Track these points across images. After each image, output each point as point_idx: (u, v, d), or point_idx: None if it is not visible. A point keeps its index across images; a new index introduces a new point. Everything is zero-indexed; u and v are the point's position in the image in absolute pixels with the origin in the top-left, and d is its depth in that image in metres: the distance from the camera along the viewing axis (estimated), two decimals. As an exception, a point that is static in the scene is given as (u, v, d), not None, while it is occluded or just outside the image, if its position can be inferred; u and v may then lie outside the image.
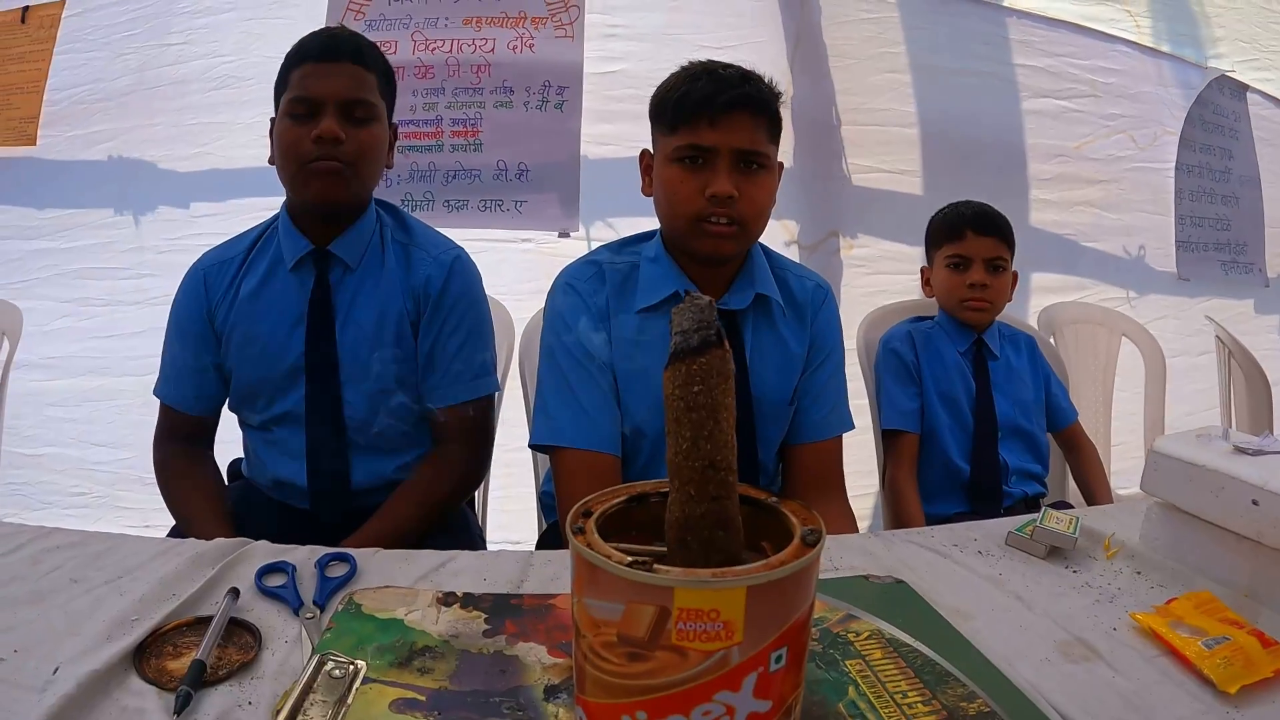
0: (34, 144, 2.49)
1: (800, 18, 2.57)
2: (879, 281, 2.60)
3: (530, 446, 1.36)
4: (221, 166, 2.43)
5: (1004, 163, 2.73)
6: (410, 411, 1.38)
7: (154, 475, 1.38)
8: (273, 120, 1.34)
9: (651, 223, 1.36)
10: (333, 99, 1.27)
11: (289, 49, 1.33)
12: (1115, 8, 2.79)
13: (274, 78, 1.34)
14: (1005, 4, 2.72)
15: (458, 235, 1.47)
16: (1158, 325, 2.42)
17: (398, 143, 1.44)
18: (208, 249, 1.42)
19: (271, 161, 1.34)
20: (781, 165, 1.30)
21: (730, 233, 1.22)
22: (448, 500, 1.37)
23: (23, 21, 2.53)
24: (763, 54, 2.48)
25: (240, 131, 2.38)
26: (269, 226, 1.40)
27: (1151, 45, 2.89)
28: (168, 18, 2.46)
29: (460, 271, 1.39)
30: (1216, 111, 3.08)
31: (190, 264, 1.40)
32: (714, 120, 1.19)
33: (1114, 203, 2.87)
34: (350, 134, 1.28)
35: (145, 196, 2.48)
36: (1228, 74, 3.05)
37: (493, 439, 1.49)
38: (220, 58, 2.43)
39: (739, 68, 1.24)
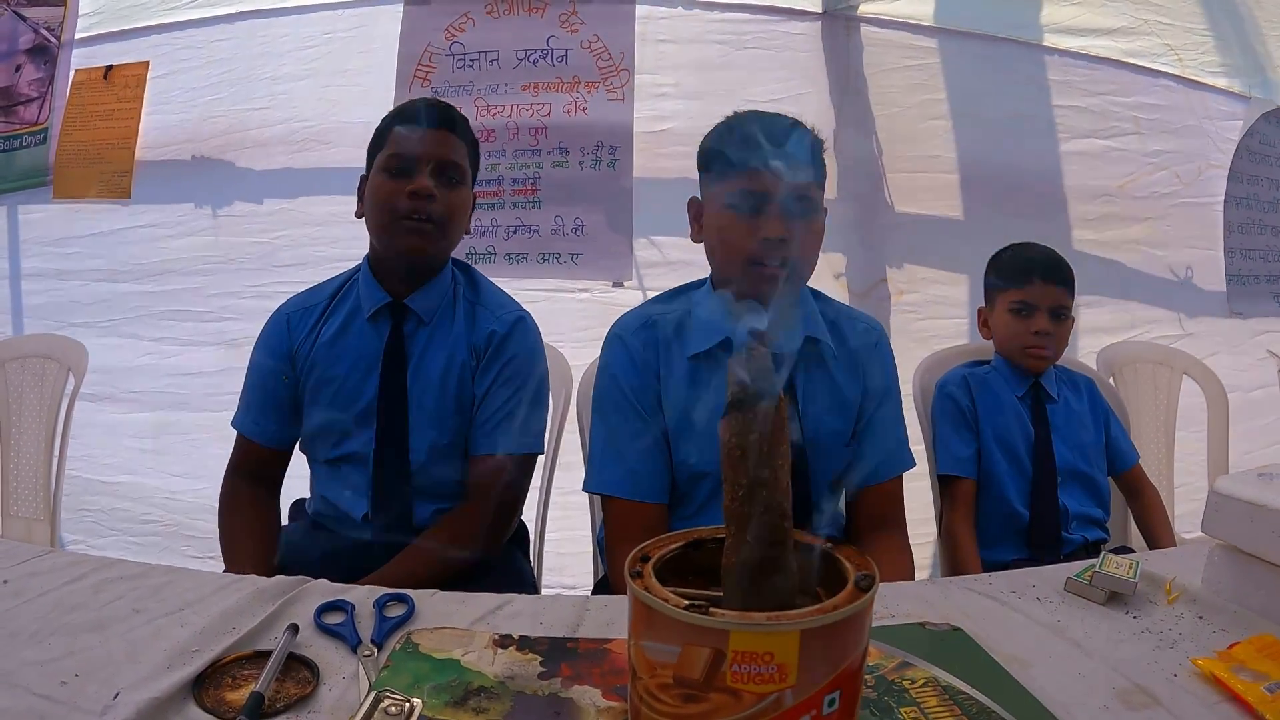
0: (128, 196, 2.66)
1: (844, 68, 2.61)
2: (930, 326, 2.60)
3: (584, 490, 1.39)
4: (303, 221, 2.57)
5: (1048, 205, 2.71)
6: (465, 464, 1.42)
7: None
8: (362, 178, 1.44)
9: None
10: (428, 159, 1.37)
11: (388, 114, 1.43)
12: (1156, 41, 2.75)
13: (351, 139, 1.39)
14: (1046, 43, 2.71)
15: (518, 285, 1.52)
16: (1210, 361, 2.34)
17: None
18: (290, 295, 1.50)
19: (358, 215, 1.44)
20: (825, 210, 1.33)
21: (781, 274, 1.24)
22: (461, 561, 1.33)
23: (105, 79, 2.71)
24: (808, 105, 2.53)
25: (320, 193, 2.51)
26: (350, 278, 1.48)
27: (1194, 78, 2.84)
28: (250, 83, 2.63)
29: (521, 332, 1.45)
30: (1264, 141, 3.01)
31: (271, 309, 1.49)
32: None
33: (1161, 239, 2.82)
34: (441, 193, 1.37)
35: (232, 246, 2.63)
36: (1275, 104, 2.98)
37: (523, 502, 1.48)
38: (302, 122, 2.57)
39: (785, 118, 1.26)
